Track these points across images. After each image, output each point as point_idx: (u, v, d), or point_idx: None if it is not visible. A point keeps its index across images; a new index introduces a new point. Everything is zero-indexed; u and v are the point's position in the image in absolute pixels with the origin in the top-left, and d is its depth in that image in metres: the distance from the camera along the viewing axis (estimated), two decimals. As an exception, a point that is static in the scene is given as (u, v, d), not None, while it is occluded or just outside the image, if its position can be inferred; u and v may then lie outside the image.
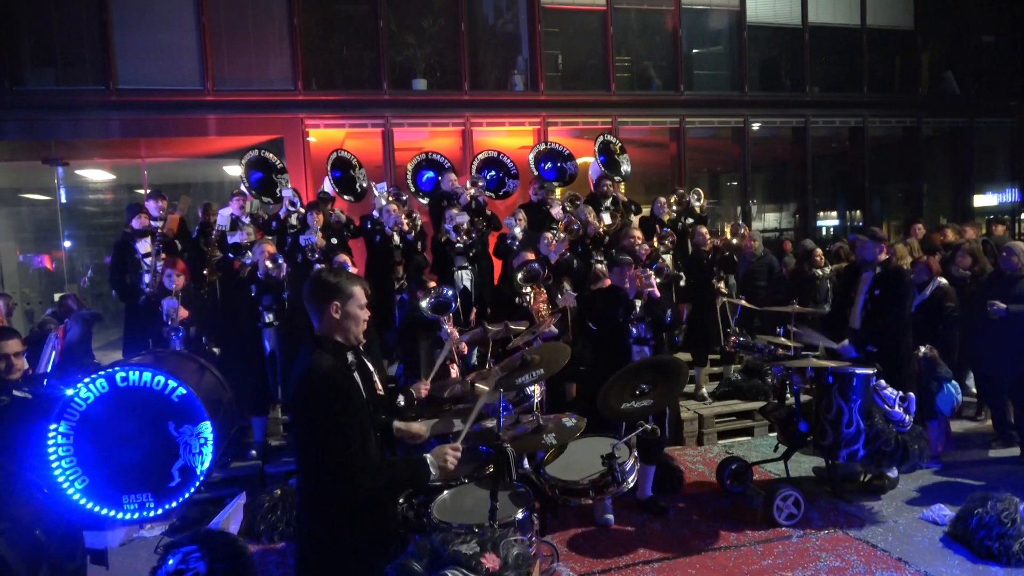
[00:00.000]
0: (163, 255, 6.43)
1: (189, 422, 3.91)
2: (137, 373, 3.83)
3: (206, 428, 3.92)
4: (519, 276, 6.02)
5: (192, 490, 3.92)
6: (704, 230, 7.53)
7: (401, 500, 2.95)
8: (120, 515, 3.74)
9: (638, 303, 5.16)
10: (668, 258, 7.62)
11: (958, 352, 6.56)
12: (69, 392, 3.65)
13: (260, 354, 6.01)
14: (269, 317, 6.01)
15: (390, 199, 7.25)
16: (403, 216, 6.96)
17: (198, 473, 3.92)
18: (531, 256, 6.26)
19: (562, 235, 7.00)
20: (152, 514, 3.88)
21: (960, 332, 6.59)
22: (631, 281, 5.16)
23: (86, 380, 3.73)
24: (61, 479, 3.56)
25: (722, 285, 7.26)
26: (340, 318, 2.57)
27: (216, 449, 4.01)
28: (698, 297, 7.39)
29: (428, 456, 2.63)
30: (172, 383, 3.87)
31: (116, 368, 3.85)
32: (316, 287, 2.60)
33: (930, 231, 9.19)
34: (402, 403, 3.32)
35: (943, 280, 6.59)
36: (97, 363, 6.80)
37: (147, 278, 6.37)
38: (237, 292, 6.30)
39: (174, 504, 3.91)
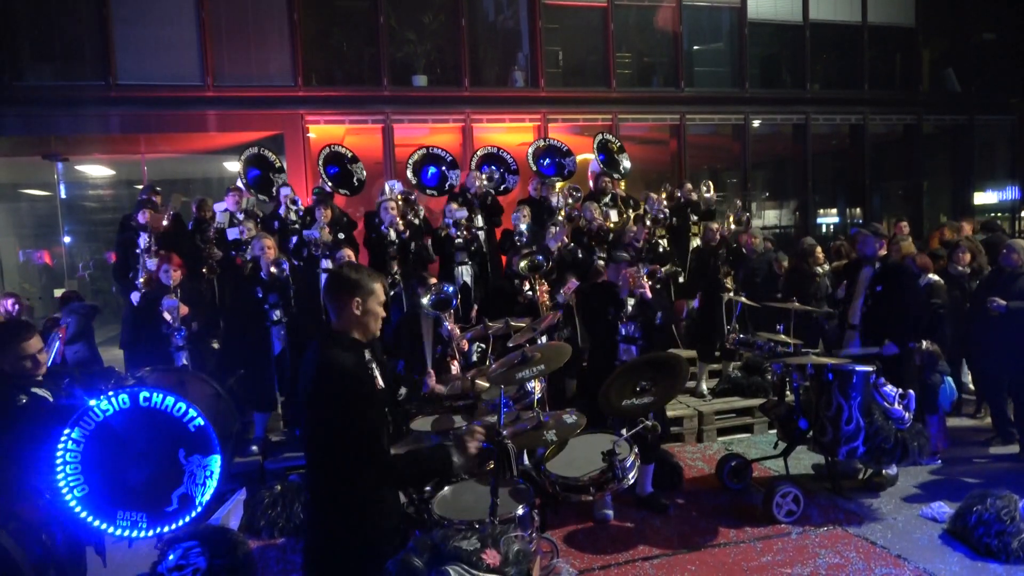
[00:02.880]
0: (154, 251, 6.41)
1: (200, 452, 3.92)
2: (160, 396, 3.85)
3: (215, 462, 3.94)
4: (522, 265, 6.05)
5: (187, 519, 3.93)
6: (715, 226, 7.56)
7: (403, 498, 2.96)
8: (111, 529, 3.75)
9: (631, 302, 5.17)
10: (666, 252, 7.67)
11: (951, 349, 6.56)
12: (91, 402, 3.66)
13: (266, 352, 6.00)
14: (277, 315, 6.01)
15: (392, 197, 7.25)
16: (398, 217, 6.96)
17: (196, 503, 3.93)
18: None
19: (560, 218, 7.03)
20: (142, 534, 3.89)
21: (959, 329, 6.59)
22: (624, 280, 5.17)
23: (109, 393, 3.73)
24: (62, 484, 3.56)
25: (729, 280, 7.26)
26: (360, 314, 2.56)
27: (219, 484, 4.02)
28: (706, 293, 7.40)
29: (448, 441, 2.63)
30: (192, 412, 3.89)
31: (141, 387, 3.86)
32: (338, 283, 2.58)
33: (930, 229, 9.18)
34: (403, 393, 3.33)
35: (934, 276, 6.59)
36: (110, 368, 6.79)
37: (141, 274, 6.35)
38: (240, 290, 6.29)
39: (166, 528, 3.91)
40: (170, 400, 3.85)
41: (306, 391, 2.50)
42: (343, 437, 2.41)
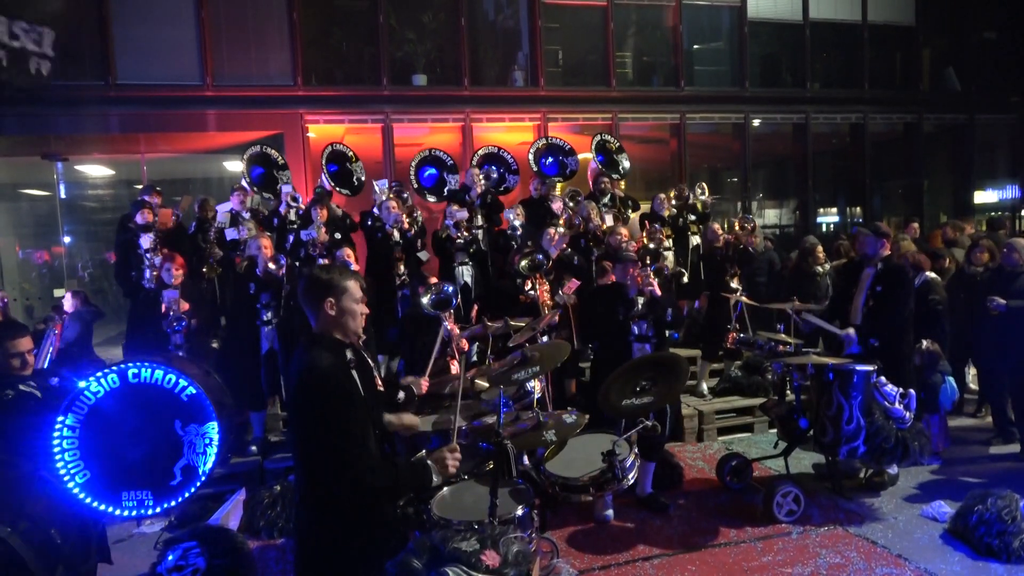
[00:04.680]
0: (161, 250, 6.41)
1: (196, 422, 3.90)
2: (149, 370, 3.83)
3: (212, 428, 3.92)
4: (523, 264, 6.04)
5: (193, 490, 3.92)
6: (716, 226, 7.58)
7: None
8: (118, 511, 3.73)
9: (640, 301, 5.18)
10: (670, 255, 7.64)
11: (951, 347, 6.55)
12: (81, 385, 3.65)
13: (255, 351, 5.99)
14: (267, 315, 5.99)
15: (391, 196, 7.24)
16: (403, 215, 6.95)
17: (200, 473, 3.91)
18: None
19: (563, 229, 7.02)
20: (150, 512, 3.88)
21: (962, 328, 6.58)
22: (632, 279, 5.18)
23: (98, 374, 3.72)
24: (63, 472, 3.55)
25: (735, 281, 7.25)
26: (336, 314, 2.55)
27: (220, 450, 4.01)
28: (714, 293, 7.41)
29: (429, 460, 2.61)
30: (183, 382, 3.87)
31: (128, 364, 3.84)
32: (309, 286, 2.57)
33: (931, 228, 9.18)
34: (402, 399, 3.32)
35: (930, 274, 6.61)
36: (100, 359, 6.77)
37: (148, 273, 6.36)
38: (235, 287, 6.28)
39: (173, 503, 3.90)
40: (159, 373, 3.83)
41: (290, 393, 2.50)
42: (322, 439, 2.39)
